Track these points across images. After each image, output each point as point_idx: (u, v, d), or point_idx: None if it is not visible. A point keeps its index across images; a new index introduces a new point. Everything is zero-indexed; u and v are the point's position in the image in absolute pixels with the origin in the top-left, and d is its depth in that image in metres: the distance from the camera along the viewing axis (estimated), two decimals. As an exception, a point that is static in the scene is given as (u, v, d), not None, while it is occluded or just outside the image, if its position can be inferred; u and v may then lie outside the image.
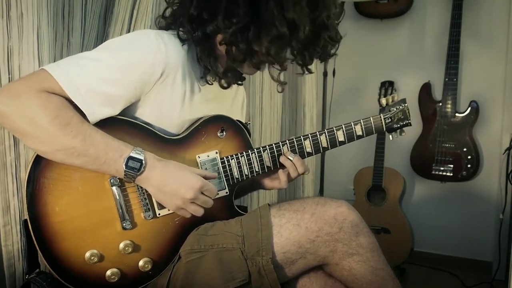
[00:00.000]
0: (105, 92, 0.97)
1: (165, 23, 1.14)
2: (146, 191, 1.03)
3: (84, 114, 0.96)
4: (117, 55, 0.99)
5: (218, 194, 1.08)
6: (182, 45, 1.06)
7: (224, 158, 1.13)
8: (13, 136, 1.15)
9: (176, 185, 1.00)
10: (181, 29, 1.07)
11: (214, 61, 1.09)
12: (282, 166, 1.20)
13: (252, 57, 1.06)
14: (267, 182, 1.26)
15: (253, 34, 1.03)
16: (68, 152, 0.93)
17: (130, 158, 0.96)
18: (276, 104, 2.19)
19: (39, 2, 1.18)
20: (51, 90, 0.93)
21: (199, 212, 1.03)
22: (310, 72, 1.15)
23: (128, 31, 1.54)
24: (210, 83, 1.11)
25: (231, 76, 1.11)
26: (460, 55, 2.51)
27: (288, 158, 1.17)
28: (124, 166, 0.95)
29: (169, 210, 1.04)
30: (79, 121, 0.94)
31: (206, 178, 1.05)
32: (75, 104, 0.95)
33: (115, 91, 0.98)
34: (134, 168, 0.96)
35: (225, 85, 1.12)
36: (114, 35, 1.54)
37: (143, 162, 0.97)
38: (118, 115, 1.02)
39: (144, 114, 1.06)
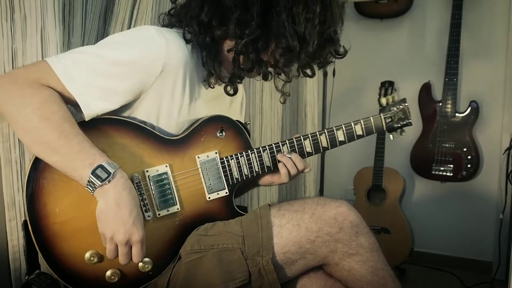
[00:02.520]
0: (102, 86, 0.96)
1: (169, 21, 1.14)
2: (147, 191, 1.03)
3: (83, 113, 0.96)
4: (117, 50, 0.99)
5: (141, 260, 0.97)
6: (186, 44, 1.06)
7: (224, 158, 1.13)
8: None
9: (131, 212, 0.93)
10: (187, 29, 1.07)
11: (218, 66, 1.09)
12: (282, 165, 1.19)
13: (260, 67, 1.07)
14: (267, 177, 1.25)
15: (263, 45, 1.04)
16: (43, 147, 0.91)
17: (101, 166, 0.91)
18: (276, 104, 2.19)
19: (43, 4, 1.19)
20: (48, 81, 0.93)
21: (121, 258, 0.94)
22: (311, 76, 1.15)
23: (128, 31, 1.55)
24: (212, 86, 1.11)
25: (235, 81, 1.11)
26: (460, 55, 2.51)
27: (286, 156, 1.18)
28: (90, 172, 0.90)
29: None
30: (61, 118, 0.91)
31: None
32: (72, 102, 0.95)
33: (113, 85, 0.98)
34: (100, 176, 0.90)
35: (231, 92, 1.13)
36: (114, 35, 1.54)
37: (112, 174, 0.91)
38: (118, 115, 1.02)
39: (144, 113, 1.05)
